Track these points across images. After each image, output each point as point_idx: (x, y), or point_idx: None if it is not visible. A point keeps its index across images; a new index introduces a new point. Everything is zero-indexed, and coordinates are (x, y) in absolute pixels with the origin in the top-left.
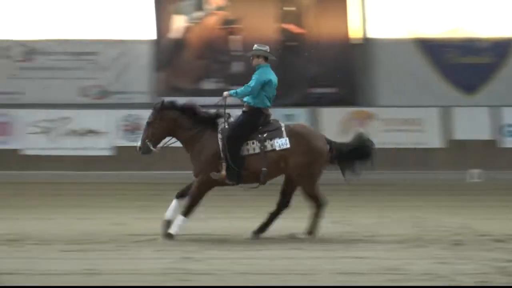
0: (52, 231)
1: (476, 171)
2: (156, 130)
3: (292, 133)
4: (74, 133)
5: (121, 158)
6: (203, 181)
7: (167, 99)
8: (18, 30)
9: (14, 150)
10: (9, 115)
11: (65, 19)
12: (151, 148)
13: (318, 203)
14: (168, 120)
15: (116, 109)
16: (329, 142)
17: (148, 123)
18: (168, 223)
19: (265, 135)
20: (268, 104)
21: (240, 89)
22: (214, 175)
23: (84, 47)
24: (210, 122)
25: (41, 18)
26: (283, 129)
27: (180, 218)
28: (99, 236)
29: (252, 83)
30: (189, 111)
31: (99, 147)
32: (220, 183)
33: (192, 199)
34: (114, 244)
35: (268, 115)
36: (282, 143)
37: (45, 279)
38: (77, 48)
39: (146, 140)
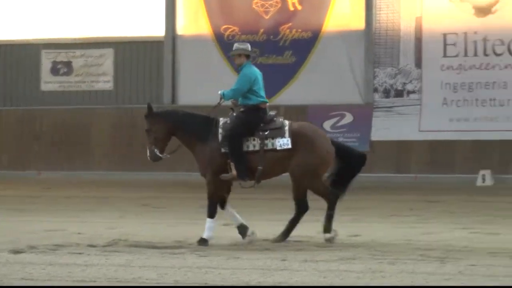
0: None
1: None
2: (157, 135)
3: (296, 133)
4: None
5: None
6: (211, 180)
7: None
8: None
9: None
10: None
11: None
12: (158, 154)
13: (327, 199)
14: (164, 122)
15: None
16: (334, 143)
17: (147, 131)
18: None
19: (266, 133)
20: (263, 98)
21: (226, 91)
22: (224, 176)
23: None
24: (208, 121)
25: None
26: (286, 128)
27: (207, 221)
28: None
29: (236, 85)
30: (177, 113)
31: None
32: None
33: (209, 199)
34: None
35: (266, 110)
36: (283, 143)
37: None
38: None
39: (152, 147)
